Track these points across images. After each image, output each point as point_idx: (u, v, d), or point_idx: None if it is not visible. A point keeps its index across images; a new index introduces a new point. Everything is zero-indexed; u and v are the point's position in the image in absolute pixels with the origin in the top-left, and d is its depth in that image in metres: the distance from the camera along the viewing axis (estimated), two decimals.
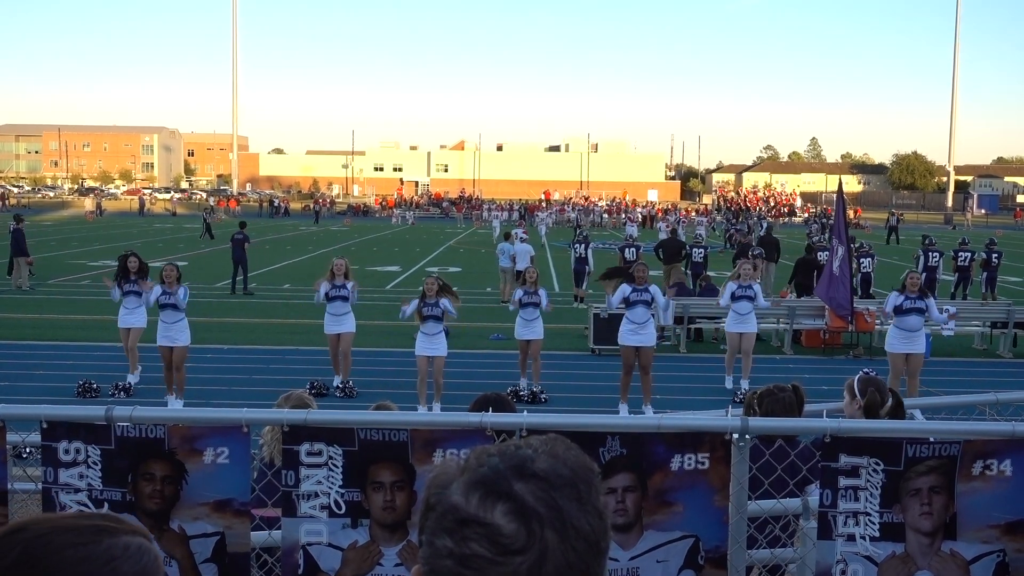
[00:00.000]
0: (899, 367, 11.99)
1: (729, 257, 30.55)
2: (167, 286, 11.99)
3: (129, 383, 12.85)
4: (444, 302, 11.80)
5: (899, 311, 12.07)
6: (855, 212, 69.91)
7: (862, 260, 22.19)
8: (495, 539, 1.14)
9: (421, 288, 12.14)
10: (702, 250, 23.54)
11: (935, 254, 22.74)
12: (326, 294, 13.10)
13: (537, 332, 13.03)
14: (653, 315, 12.51)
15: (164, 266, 12.23)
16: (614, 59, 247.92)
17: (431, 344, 11.77)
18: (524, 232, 29.25)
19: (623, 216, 54.27)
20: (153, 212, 74.91)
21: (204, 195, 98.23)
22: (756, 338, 13.93)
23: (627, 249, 22.91)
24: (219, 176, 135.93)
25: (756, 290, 13.78)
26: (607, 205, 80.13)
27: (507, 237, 25.18)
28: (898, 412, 4.72)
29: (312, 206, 73.14)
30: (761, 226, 42.35)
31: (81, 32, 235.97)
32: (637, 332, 12.08)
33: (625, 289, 12.20)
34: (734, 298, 13.61)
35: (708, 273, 21.02)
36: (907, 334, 12.01)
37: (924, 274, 22.09)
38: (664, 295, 12.89)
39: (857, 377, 4.90)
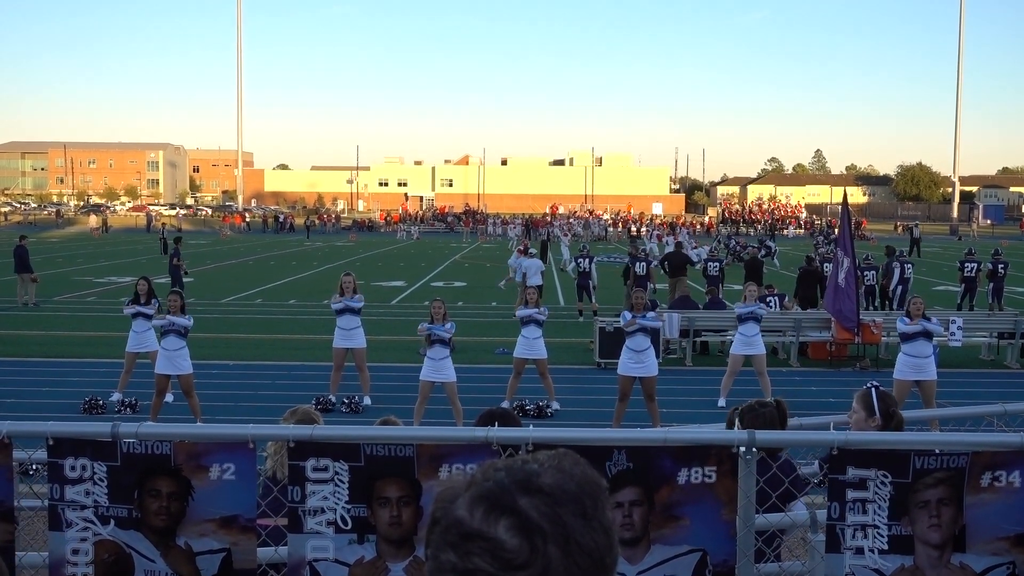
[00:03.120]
0: (903, 395, 11.56)
1: (735, 270, 30.53)
2: (172, 315, 11.90)
3: (132, 400, 12.83)
4: (450, 325, 11.77)
5: (906, 337, 11.84)
6: (859, 223, 69.73)
7: (866, 273, 22.17)
8: (498, 554, 1.14)
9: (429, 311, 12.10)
10: (717, 264, 23.48)
11: (909, 266, 22.85)
12: (339, 309, 13.24)
13: (538, 352, 12.99)
14: (660, 327, 12.33)
15: (168, 296, 12.21)
16: (618, 72, 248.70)
17: (438, 369, 11.66)
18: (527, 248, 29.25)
19: (651, 231, 54.05)
20: (167, 227, 75.08)
21: (209, 211, 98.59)
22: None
23: (638, 263, 22.77)
24: (224, 192, 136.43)
25: (762, 313, 13.72)
26: (611, 218, 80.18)
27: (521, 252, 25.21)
28: (899, 429, 4.69)
29: (305, 220, 73.50)
30: (769, 247, 41.41)
31: (85, 49, 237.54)
32: (638, 362, 11.73)
33: (625, 315, 12.06)
34: (740, 320, 13.54)
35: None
36: (917, 361, 11.66)
37: (899, 286, 22.25)
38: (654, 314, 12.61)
39: (875, 395, 4.75)
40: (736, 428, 4.60)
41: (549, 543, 1.14)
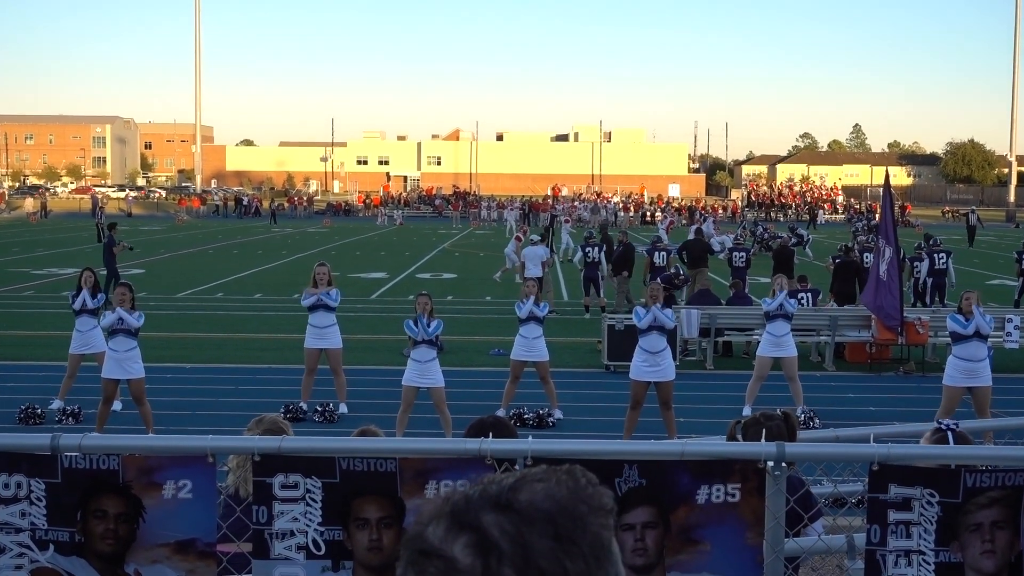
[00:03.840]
0: (954, 403, 11.56)
1: (763, 261, 30.57)
2: (121, 311, 11.85)
3: (75, 408, 12.80)
4: (437, 323, 11.78)
5: (958, 338, 11.75)
6: (904, 208, 69.83)
7: (915, 264, 22.15)
8: (450, 573, 1.18)
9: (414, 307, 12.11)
10: (743, 253, 23.48)
11: (942, 255, 22.74)
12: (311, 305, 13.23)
13: (539, 353, 13.00)
14: (676, 328, 12.28)
15: (116, 288, 12.18)
16: (630, 37, 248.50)
17: (424, 373, 11.66)
18: (524, 235, 29.28)
19: (665, 216, 54.19)
20: (105, 212, 75.03)
21: (163, 193, 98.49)
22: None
23: (657, 253, 22.73)
24: (180, 171, 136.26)
25: (791, 308, 13.69)
26: (622, 202, 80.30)
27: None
28: None
29: (271, 203, 73.60)
30: (801, 234, 41.36)
31: (21, 10, 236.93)
32: (652, 364, 11.70)
33: (639, 312, 12.03)
34: (768, 318, 13.53)
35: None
36: (969, 365, 11.51)
37: (931, 279, 22.21)
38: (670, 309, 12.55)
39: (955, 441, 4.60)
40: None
41: (504, 564, 1.18)
